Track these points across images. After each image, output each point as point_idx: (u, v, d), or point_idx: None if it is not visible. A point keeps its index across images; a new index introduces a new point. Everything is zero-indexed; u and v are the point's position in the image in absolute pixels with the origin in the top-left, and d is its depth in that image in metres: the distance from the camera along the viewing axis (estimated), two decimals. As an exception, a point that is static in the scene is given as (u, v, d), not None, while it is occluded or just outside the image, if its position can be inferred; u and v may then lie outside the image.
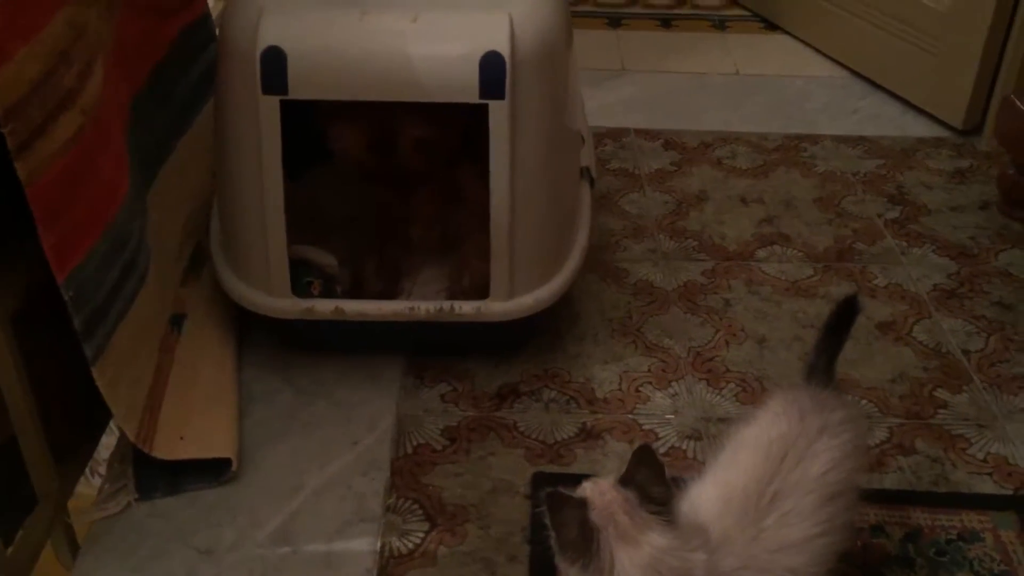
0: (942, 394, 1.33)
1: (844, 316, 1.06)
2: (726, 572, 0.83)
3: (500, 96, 1.15)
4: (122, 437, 1.21)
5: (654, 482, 0.82)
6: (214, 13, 1.59)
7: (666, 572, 0.80)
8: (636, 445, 1.17)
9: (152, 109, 1.35)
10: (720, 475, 0.91)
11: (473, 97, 1.15)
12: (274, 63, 1.14)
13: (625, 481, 0.83)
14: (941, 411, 1.30)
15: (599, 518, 0.81)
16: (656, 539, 0.80)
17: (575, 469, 1.21)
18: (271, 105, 1.16)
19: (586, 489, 0.84)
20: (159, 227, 1.32)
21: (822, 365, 1.02)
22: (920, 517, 1.15)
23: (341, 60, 1.15)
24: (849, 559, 1.08)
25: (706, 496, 0.89)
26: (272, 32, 1.14)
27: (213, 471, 1.18)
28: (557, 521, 0.81)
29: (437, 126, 1.27)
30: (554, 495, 0.81)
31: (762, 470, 0.89)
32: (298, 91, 1.15)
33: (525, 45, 1.16)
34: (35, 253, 0.98)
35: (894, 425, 1.28)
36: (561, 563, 0.82)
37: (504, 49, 1.14)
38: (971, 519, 1.15)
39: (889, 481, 1.20)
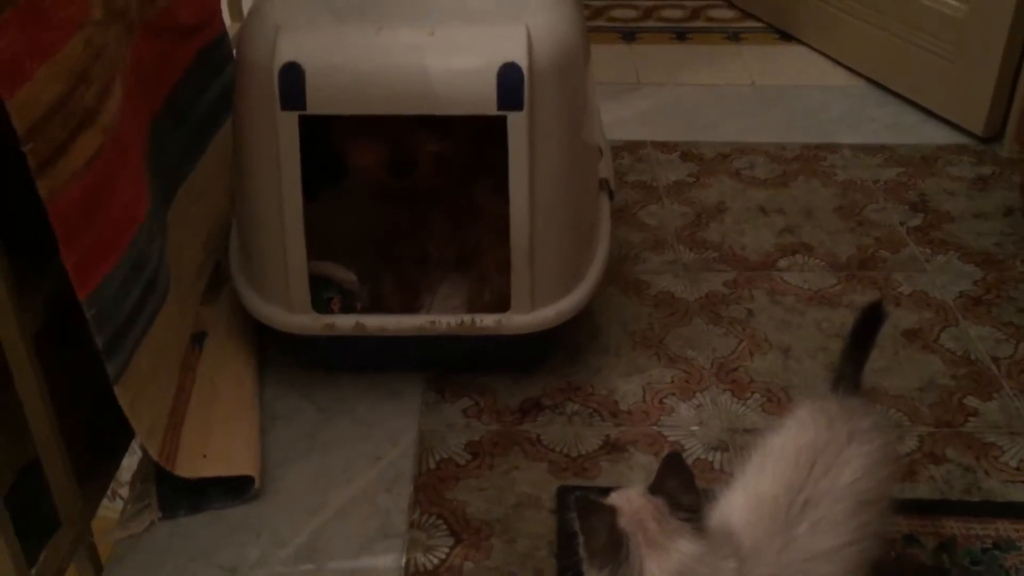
0: (972, 402, 1.31)
1: (869, 324, 1.04)
2: None
3: (518, 107, 1.15)
4: (144, 456, 1.21)
5: (683, 490, 0.81)
6: (231, 33, 1.60)
7: None
8: (662, 457, 1.16)
9: (171, 130, 1.35)
10: (750, 484, 0.90)
11: (491, 109, 1.15)
12: (292, 79, 1.14)
13: (654, 489, 0.82)
14: (971, 419, 1.28)
15: (628, 525, 0.80)
16: (686, 546, 0.79)
17: (600, 482, 1.19)
18: (290, 121, 1.16)
19: (614, 498, 0.83)
20: (179, 247, 1.32)
21: (849, 373, 1.01)
22: (954, 526, 1.12)
23: (359, 75, 1.15)
24: (883, 570, 1.06)
25: (736, 505, 0.88)
26: (290, 48, 1.14)
27: (236, 489, 1.18)
28: (586, 527, 0.80)
29: (454, 140, 1.26)
30: (583, 501, 0.80)
31: (792, 478, 0.88)
32: (316, 107, 1.15)
33: (543, 56, 1.16)
34: (56, 272, 0.98)
35: (924, 434, 1.26)
36: (590, 570, 0.81)
37: (522, 60, 1.14)
38: (1006, 528, 1.12)
39: (921, 490, 1.18)
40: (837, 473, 0.88)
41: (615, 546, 0.79)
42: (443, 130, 1.26)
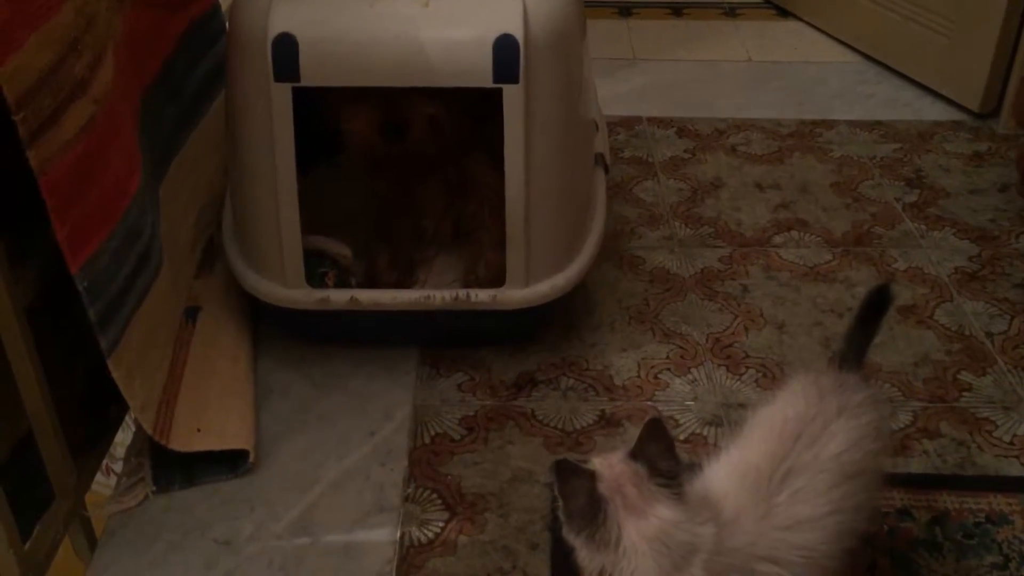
0: (966, 377, 1.31)
1: (876, 305, 1.03)
2: (735, 548, 0.82)
3: (514, 80, 1.14)
4: (138, 430, 1.21)
5: (663, 456, 0.81)
6: (224, 5, 1.58)
7: (673, 545, 0.79)
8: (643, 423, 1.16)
9: (163, 102, 1.34)
10: (736, 453, 0.90)
11: (487, 81, 1.14)
12: (286, 50, 1.13)
13: (635, 455, 0.82)
14: (965, 394, 1.29)
15: (607, 489, 0.80)
16: (664, 512, 0.79)
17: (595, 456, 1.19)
18: (283, 93, 1.15)
19: (595, 463, 0.83)
20: (171, 220, 1.31)
21: (852, 355, 1.00)
22: (947, 500, 1.13)
23: (353, 46, 1.14)
24: (875, 543, 1.07)
25: (721, 474, 0.88)
26: (283, 19, 1.13)
27: (230, 463, 1.17)
28: (565, 490, 0.80)
29: (449, 108, 1.25)
30: (563, 464, 0.80)
31: (776, 448, 0.88)
32: (310, 78, 1.14)
33: (539, 28, 1.15)
34: (48, 245, 0.98)
35: (918, 409, 1.26)
36: (568, 533, 0.81)
37: (518, 32, 1.13)
38: (999, 502, 1.13)
39: (915, 465, 1.18)
40: (822, 445, 0.88)
41: (594, 510, 0.79)
42: (437, 93, 1.25)
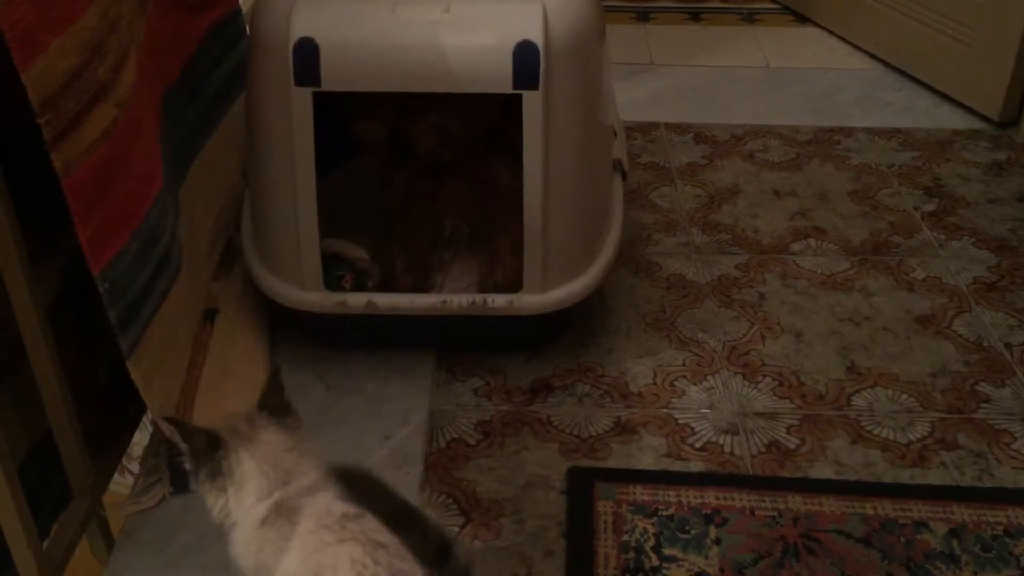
0: (984, 388, 1.30)
1: None
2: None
3: (534, 86, 1.14)
4: (155, 431, 1.21)
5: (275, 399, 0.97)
6: (244, 8, 1.59)
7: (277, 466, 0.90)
8: (669, 440, 1.16)
9: (183, 104, 1.34)
10: None
11: (507, 87, 1.14)
12: (307, 55, 1.13)
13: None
14: (984, 405, 1.28)
15: (225, 431, 0.91)
16: (269, 437, 0.91)
17: (610, 463, 1.19)
18: (303, 97, 1.15)
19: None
20: (191, 223, 1.32)
21: None
22: (964, 513, 1.12)
23: (374, 51, 1.14)
24: (892, 555, 1.06)
25: None
26: (305, 24, 1.13)
27: (246, 465, 1.18)
28: (188, 441, 0.90)
29: (466, 111, 1.25)
30: (179, 424, 0.90)
31: None
32: (331, 83, 1.14)
33: (559, 35, 1.15)
34: (69, 246, 0.98)
35: (936, 420, 1.26)
36: (197, 482, 0.91)
37: (538, 38, 1.13)
38: (1017, 515, 1.12)
39: (932, 476, 1.17)
40: None
41: (213, 446, 0.90)
42: (449, 105, 1.25)
